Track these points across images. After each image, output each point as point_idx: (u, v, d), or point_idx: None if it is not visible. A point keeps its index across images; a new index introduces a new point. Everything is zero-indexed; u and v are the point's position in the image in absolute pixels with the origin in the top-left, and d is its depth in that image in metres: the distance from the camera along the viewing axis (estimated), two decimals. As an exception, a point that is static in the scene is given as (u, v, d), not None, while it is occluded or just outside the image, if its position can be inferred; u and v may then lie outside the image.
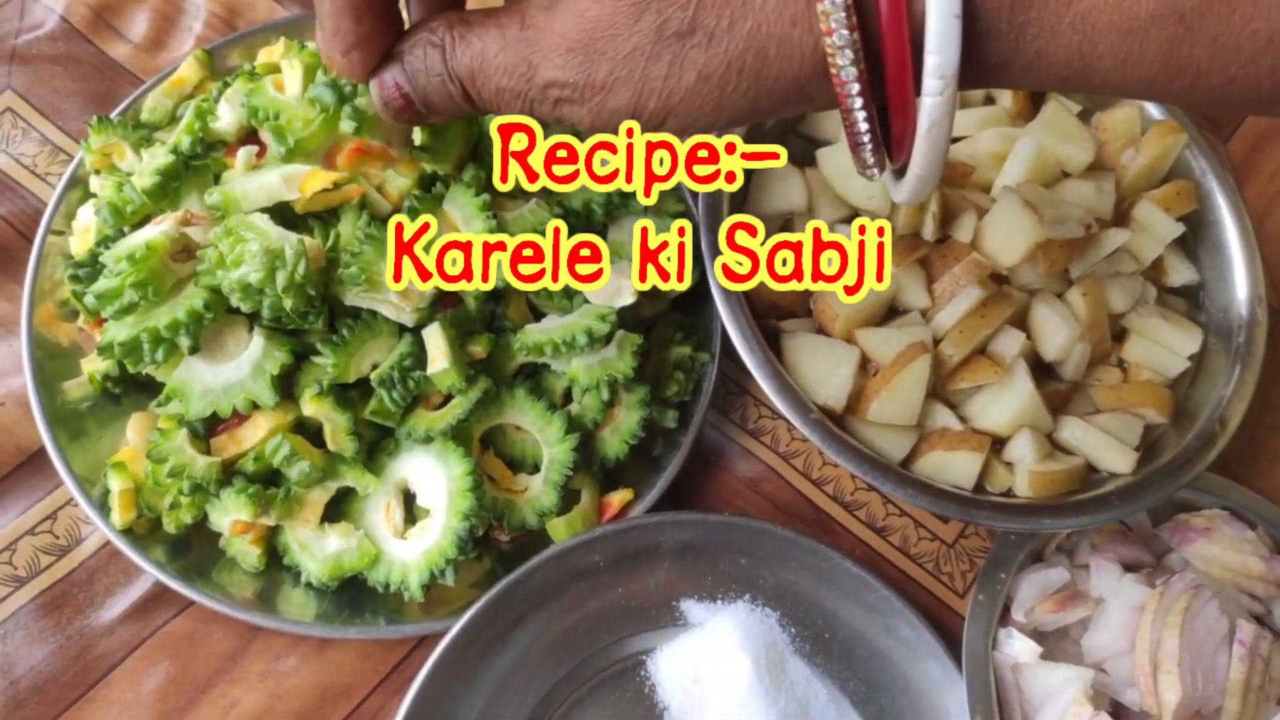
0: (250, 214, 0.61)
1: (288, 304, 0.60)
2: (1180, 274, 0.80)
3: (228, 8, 0.87)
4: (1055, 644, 0.72)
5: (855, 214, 0.77)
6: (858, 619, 0.71)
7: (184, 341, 0.61)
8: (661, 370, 0.73)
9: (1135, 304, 0.77)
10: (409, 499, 0.67)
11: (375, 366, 0.65)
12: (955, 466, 0.70)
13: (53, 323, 0.71)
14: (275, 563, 0.67)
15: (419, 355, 0.65)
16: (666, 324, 0.75)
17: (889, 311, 0.75)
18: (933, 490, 0.68)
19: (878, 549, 0.77)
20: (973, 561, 0.77)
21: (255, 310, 0.61)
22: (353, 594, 0.67)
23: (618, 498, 0.70)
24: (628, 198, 0.70)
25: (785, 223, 0.78)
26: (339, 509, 0.68)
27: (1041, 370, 0.75)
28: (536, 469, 0.69)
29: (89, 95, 0.82)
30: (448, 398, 0.66)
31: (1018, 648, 0.70)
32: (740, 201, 0.77)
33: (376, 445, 0.67)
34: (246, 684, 0.67)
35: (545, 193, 0.70)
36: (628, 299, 0.68)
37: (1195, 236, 0.81)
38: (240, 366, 0.62)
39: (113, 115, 0.74)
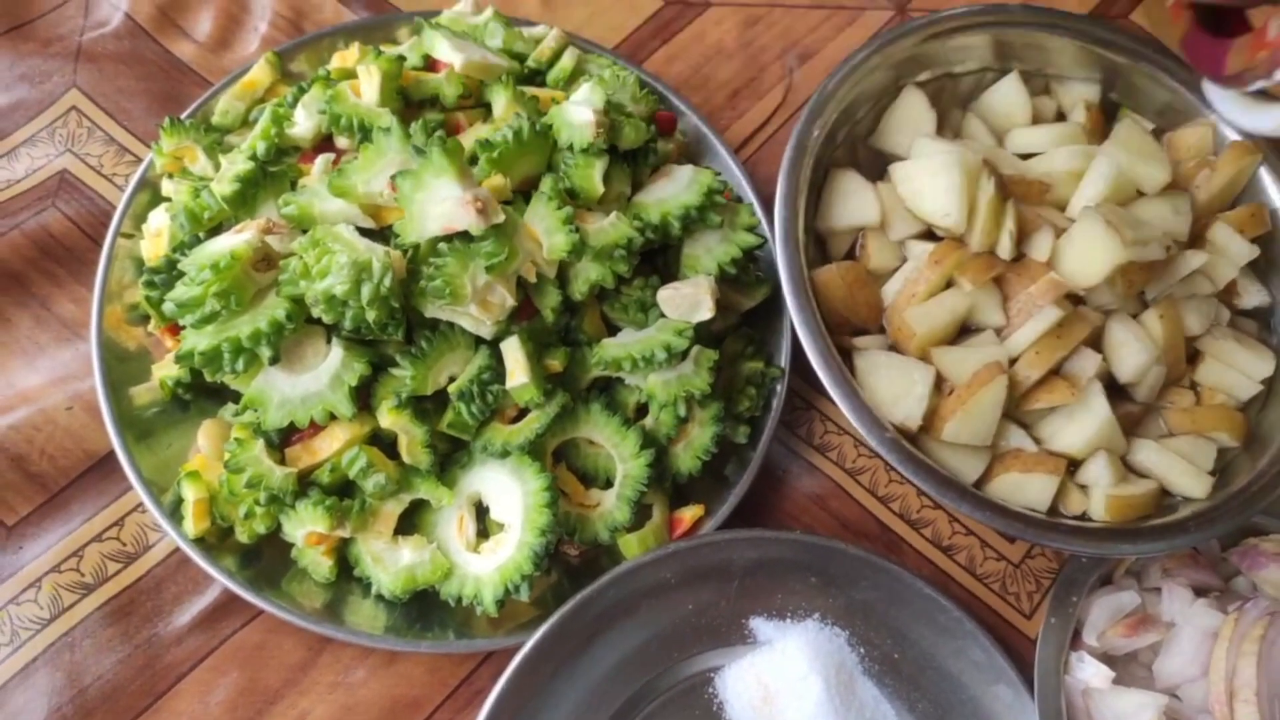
0: (336, 224, 0.60)
1: (371, 316, 0.59)
2: (1253, 296, 0.79)
3: (294, 9, 0.87)
4: (1125, 668, 0.71)
5: (929, 230, 0.76)
6: (928, 640, 0.70)
7: (265, 351, 0.60)
8: (733, 385, 0.72)
9: (1210, 327, 0.76)
10: (481, 513, 0.67)
11: (452, 379, 0.64)
12: (1030, 489, 0.70)
13: (121, 327, 0.70)
14: (345, 574, 0.67)
15: (497, 368, 0.64)
16: (737, 338, 0.74)
17: (963, 330, 0.74)
18: (1009, 513, 0.67)
19: (944, 567, 0.76)
20: (1039, 582, 0.76)
21: (336, 322, 0.60)
22: (422, 607, 0.67)
23: (689, 514, 0.70)
24: (705, 212, 0.69)
25: (858, 237, 0.77)
26: (410, 521, 0.67)
27: (1114, 392, 0.75)
28: (609, 484, 0.68)
29: (154, 95, 0.82)
30: (523, 411, 0.66)
31: (1089, 672, 0.69)
32: (812, 216, 0.76)
33: (449, 458, 0.67)
34: (316, 695, 0.66)
35: (621, 203, 0.69)
36: (706, 314, 0.67)
37: (1267, 259, 0.80)
38: (319, 377, 0.61)
39: (183, 117, 0.74)
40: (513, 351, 0.63)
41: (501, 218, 0.61)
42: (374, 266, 0.58)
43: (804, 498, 0.76)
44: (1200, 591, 0.73)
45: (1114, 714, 0.68)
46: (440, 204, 0.60)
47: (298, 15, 0.86)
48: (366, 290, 0.58)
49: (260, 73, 0.76)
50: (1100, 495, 0.70)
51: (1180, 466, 0.72)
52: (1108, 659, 0.71)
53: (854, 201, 0.77)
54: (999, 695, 0.69)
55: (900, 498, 0.77)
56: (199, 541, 0.65)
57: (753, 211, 0.73)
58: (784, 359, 0.75)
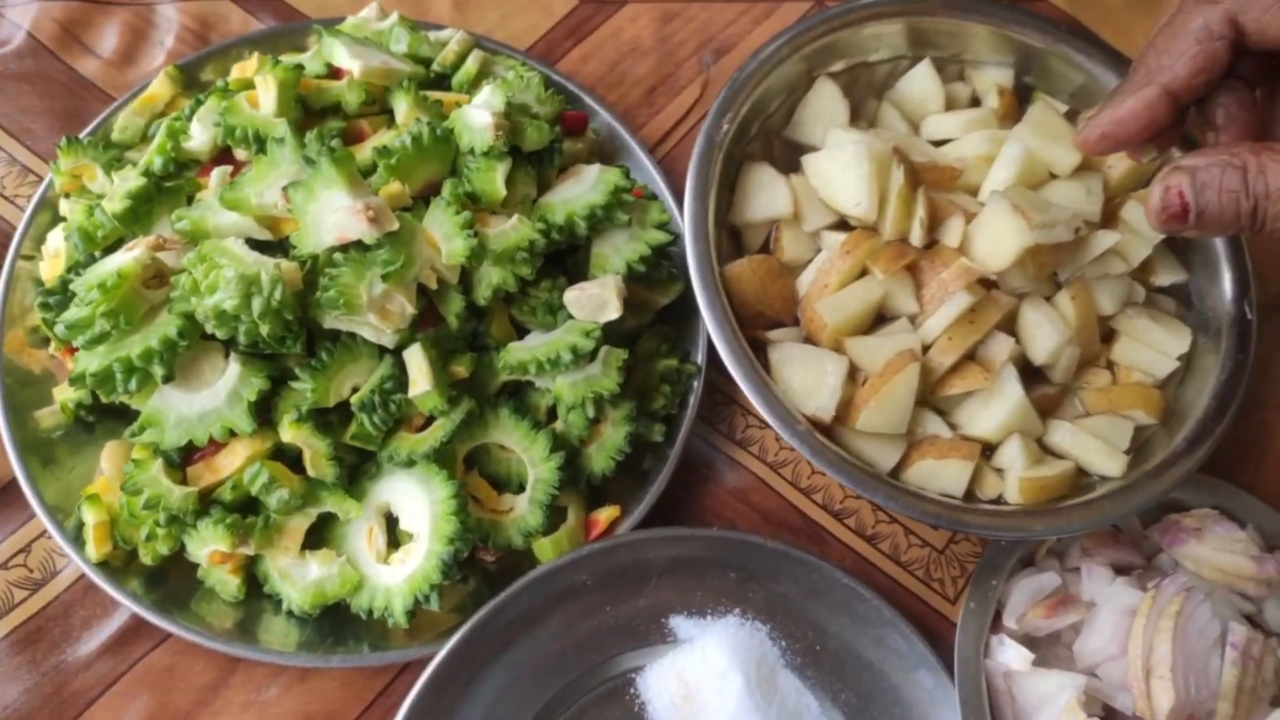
0: (223, 239, 0.60)
1: (264, 330, 0.59)
2: (1168, 274, 0.79)
3: (200, 21, 0.86)
4: (1048, 649, 0.71)
5: (842, 221, 0.76)
6: (848, 630, 0.70)
7: (158, 370, 0.59)
8: (647, 384, 0.72)
9: (1124, 305, 0.76)
10: (392, 523, 0.66)
11: (355, 390, 0.64)
12: (946, 475, 0.70)
13: (23, 350, 0.69)
14: (255, 592, 0.66)
15: (400, 377, 0.63)
16: (651, 336, 0.74)
17: (877, 319, 0.74)
18: (923, 500, 0.67)
19: (868, 557, 0.76)
20: (963, 567, 0.76)
21: (231, 337, 0.59)
22: (335, 621, 0.66)
23: (604, 515, 0.69)
24: (612, 211, 0.69)
25: (772, 230, 0.77)
26: (320, 535, 0.66)
27: (1031, 374, 0.75)
28: (522, 488, 0.68)
29: (58, 114, 0.81)
30: (429, 419, 0.65)
31: (1010, 655, 0.69)
32: (725, 211, 0.76)
33: (358, 469, 0.66)
34: (228, 715, 0.66)
35: (526, 206, 0.69)
36: (613, 314, 0.67)
37: (1184, 236, 0.80)
38: (216, 394, 0.61)
39: (82, 135, 0.73)
40: (415, 359, 0.63)
41: (395, 225, 0.60)
42: (263, 279, 0.57)
43: (726, 493, 0.76)
44: (1121, 570, 0.73)
45: (1035, 695, 0.69)
46: (333, 214, 0.59)
47: (204, 28, 0.85)
48: (257, 304, 0.57)
49: (160, 87, 0.75)
50: (1014, 478, 0.70)
51: (1095, 446, 0.72)
52: (1029, 641, 0.71)
53: (766, 194, 0.76)
54: (920, 682, 0.69)
55: (823, 489, 0.77)
56: (103, 565, 0.65)
57: (663, 208, 0.73)
58: (700, 355, 0.74)
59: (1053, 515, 0.69)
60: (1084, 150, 0.60)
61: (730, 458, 0.77)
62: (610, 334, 0.69)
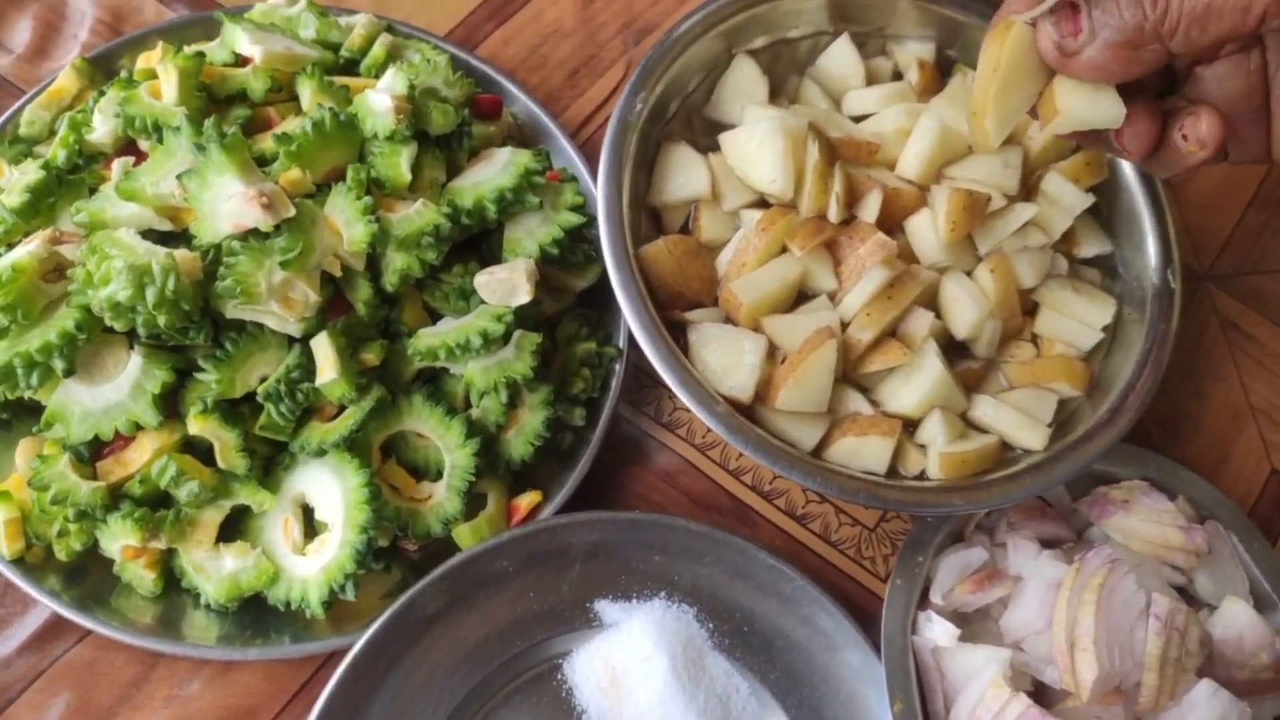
0: (117, 230, 0.59)
1: (161, 320, 0.58)
2: (1092, 245, 0.79)
3: (114, 12, 0.85)
4: (977, 625, 0.71)
5: (762, 199, 0.75)
6: (775, 611, 0.70)
7: (58, 364, 0.59)
8: (567, 368, 0.72)
9: (1045, 278, 0.76)
10: (310, 515, 0.66)
11: (264, 380, 0.63)
12: (867, 452, 0.69)
13: (-67, 348, 0.68)
14: (174, 587, 0.65)
15: (308, 366, 0.63)
16: (571, 320, 0.73)
17: (798, 298, 0.74)
18: (841, 477, 0.67)
19: (798, 537, 0.76)
20: (894, 545, 0.76)
21: (130, 328, 0.59)
22: (257, 614, 0.66)
23: (525, 500, 0.69)
24: (522, 194, 0.68)
25: (691, 210, 0.76)
26: (237, 528, 0.66)
27: (954, 350, 0.75)
28: (440, 476, 0.67)
29: (-32, 110, 0.80)
30: (342, 408, 0.65)
31: (937, 631, 0.69)
32: (644, 192, 0.76)
33: (272, 461, 0.66)
34: (150, 710, 0.65)
35: (435, 190, 0.68)
36: (524, 297, 0.66)
37: (1109, 206, 0.80)
38: (119, 387, 0.60)
39: (-10, 131, 0.72)
40: (321, 348, 0.62)
41: (291, 212, 0.59)
42: (154, 269, 0.56)
43: (653, 476, 0.76)
44: (1049, 544, 0.73)
45: (962, 671, 0.69)
46: (227, 201, 0.59)
47: (117, 19, 0.84)
48: (151, 294, 0.57)
49: (67, 80, 0.74)
50: (935, 454, 0.70)
51: (1017, 420, 0.72)
52: (958, 617, 0.71)
53: (684, 174, 0.76)
54: (848, 660, 0.69)
55: (751, 470, 0.77)
56: (19, 563, 0.64)
57: (577, 190, 0.73)
58: (622, 339, 0.74)
59: (974, 490, 0.69)
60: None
61: (658, 440, 0.77)
62: (528, 318, 0.68)
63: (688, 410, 0.78)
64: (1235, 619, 0.70)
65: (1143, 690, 0.66)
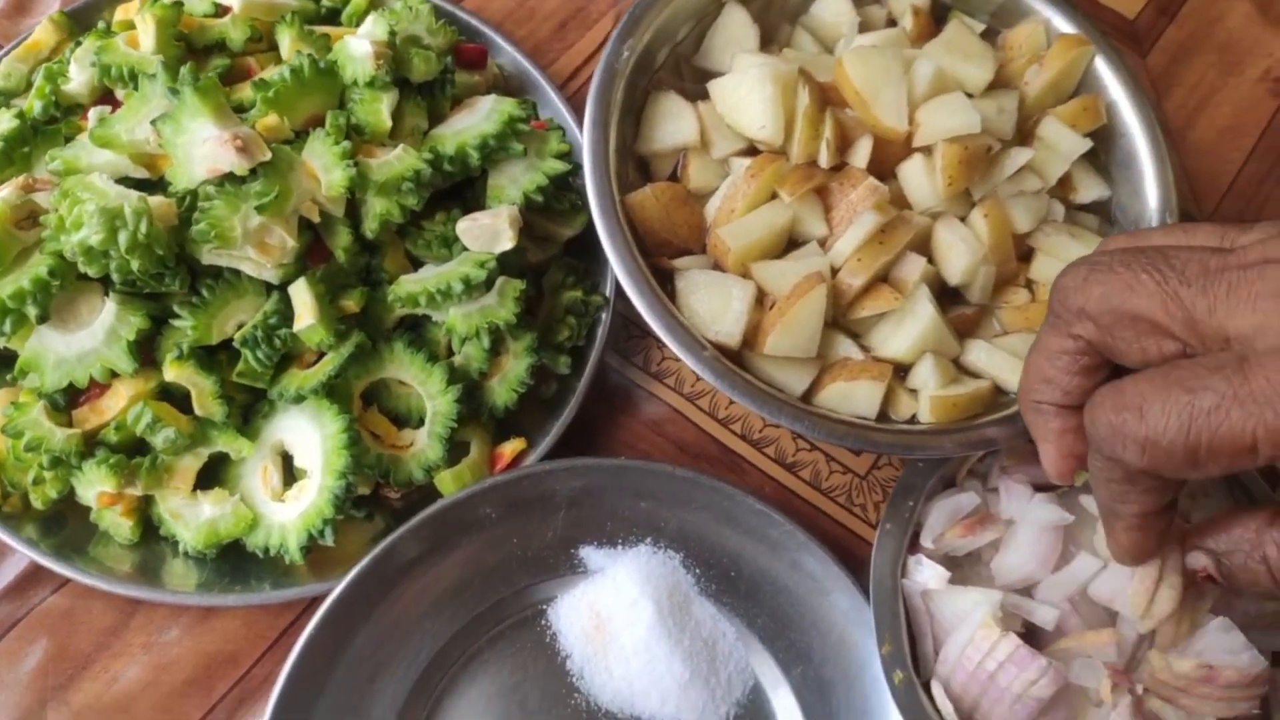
0: (90, 174, 0.58)
1: (134, 265, 0.57)
2: (1089, 190, 0.77)
3: (96, -33, 0.84)
4: (969, 569, 0.71)
5: (752, 147, 0.74)
6: (763, 556, 0.70)
7: (32, 311, 0.58)
8: (553, 316, 0.71)
9: (1041, 223, 0.75)
10: (290, 463, 0.66)
11: (242, 327, 0.63)
12: (857, 396, 0.68)
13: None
14: (153, 535, 0.65)
15: (286, 313, 0.62)
16: (557, 269, 0.73)
17: (788, 245, 0.73)
18: (829, 421, 0.66)
19: (788, 485, 0.75)
20: (885, 492, 0.76)
21: (104, 274, 0.58)
22: (236, 561, 0.65)
23: (509, 448, 0.68)
24: (505, 141, 0.67)
25: (680, 159, 0.75)
26: (217, 477, 0.66)
27: (948, 297, 0.74)
28: (422, 423, 0.67)
29: (-49, 65, 0.79)
30: (321, 356, 0.64)
31: (926, 574, 0.68)
32: (631, 139, 0.75)
33: (251, 409, 0.65)
34: (129, 657, 0.65)
35: (417, 137, 0.67)
36: (507, 244, 0.65)
37: (1106, 151, 0.79)
38: (94, 334, 0.60)
39: (-32, 84, 0.72)
40: (300, 293, 0.62)
41: (267, 155, 0.59)
42: (126, 213, 0.56)
43: (641, 425, 0.75)
44: (1044, 489, 0.72)
45: (952, 613, 0.68)
46: (201, 145, 0.58)
47: (101, -26, 0.83)
48: (123, 238, 0.56)
49: (44, 33, 0.74)
50: (926, 397, 0.69)
51: (1011, 364, 0.71)
52: (950, 562, 0.70)
53: (673, 122, 0.75)
54: (836, 604, 0.68)
55: (741, 419, 0.76)
56: (-3, 512, 0.64)
57: (562, 138, 0.72)
58: (609, 288, 0.73)
59: (965, 432, 0.68)
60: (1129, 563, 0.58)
61: (646, 390, 0.76)
62: (512, 266, 0.68)
63: (676, 360, 0.78)
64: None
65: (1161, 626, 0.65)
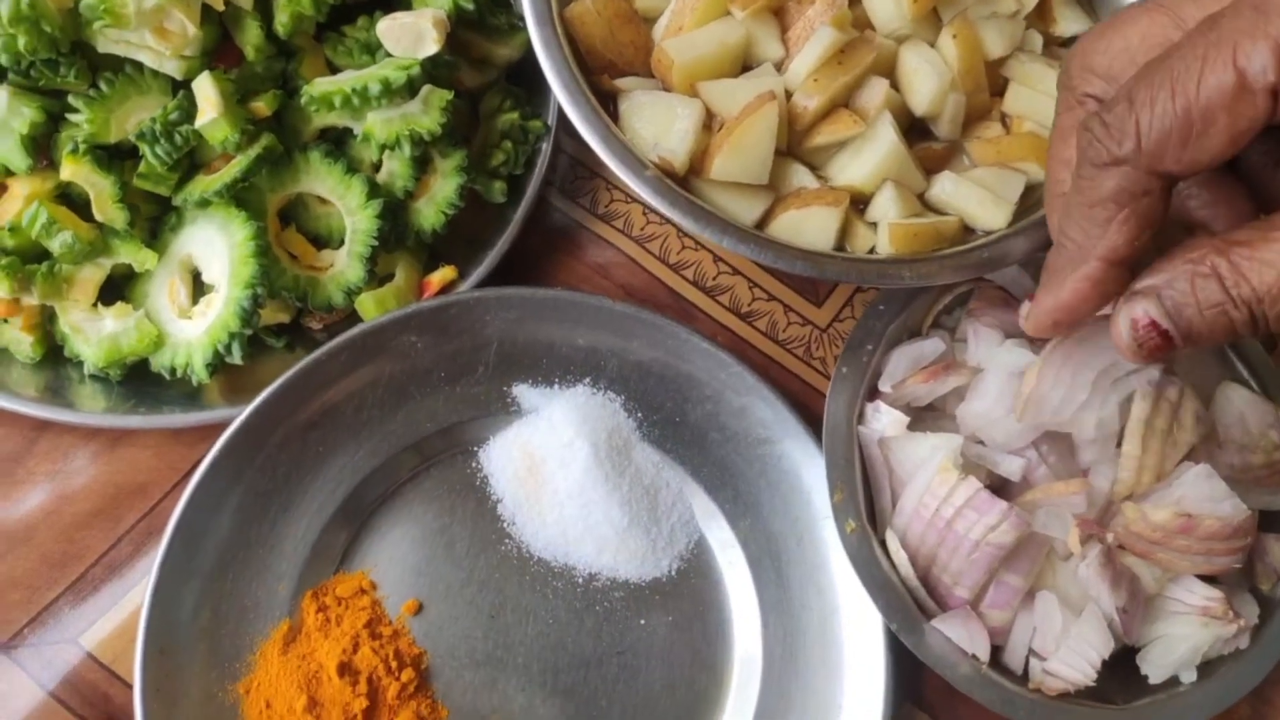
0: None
1: (21, 43, 0.53)
2: (1070, 22, 0.72)
3: None
4: (931, 421, 0.66)
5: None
6: (711, 399, 0.65)
7: (-87, 95, 0.54)
8: (488, 140, 0.66)
9: (1015, 49, 0.69)
10: (201, 283, 0.61)
11: (144, 124, 0.58)
12: (809, 226, 0.63)
13: None
14: (60, 358, 0.62)
15: (191, 111, 0.58)
16: (495, 93, 0.68)
17: (742, 70, 0.68)
18: (778, 245, 0.61)
19: (743, 334, 0.71)
20: (847, 345, 0.71)
21: (-3, 64, 0.54)
22: (146, 385, 0.62)
23: (438, 276, 0.64)
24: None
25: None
26: (126, 294, 0.62)
27: (916, 133, 0.68)
28: (344, 244, 0.63)
29: None
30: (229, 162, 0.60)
31: (884, 421, 0.64)
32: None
33: (160, 221, 0.61)
34: (30, 484, 0.62)
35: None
36: (431, 47, 0.61)
37: (1088, -18, 0.73)
38: (-15, 125, 0.56)
39: None
40: (203, 87, 0.57)
41: (163, -71, 0.54)
42: (6, -21, 0.52)
43: (585, 268, 0.71)
44: (1013, 335, 0.67)
45: (911, 461, 0.63)
46: (91, -87, 0.54)
47: None
48: (5, 7, 0.52)
49: None
50: (885, 226, 0.64)
51: (978, 196, 0.65)
52: (911, 411, 0.65)
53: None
54: (787, 452, 0.64)
55: (694, 264, 0.72)
56: (-112, 325, 0.60)
57: (498, -51, 0.67)
58: (552, 117, 0.68)
59: (923, 263, 0.63)
60: (1039, 335, 0.54)
61: (592, 232, 0.72)
62: (441, 79, 0.63)
63: (626, 202, 0.73)
64: (1231, 402, 0.64)
65: (1123, 460, 0.60)
